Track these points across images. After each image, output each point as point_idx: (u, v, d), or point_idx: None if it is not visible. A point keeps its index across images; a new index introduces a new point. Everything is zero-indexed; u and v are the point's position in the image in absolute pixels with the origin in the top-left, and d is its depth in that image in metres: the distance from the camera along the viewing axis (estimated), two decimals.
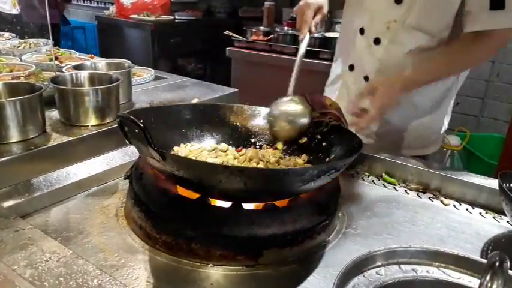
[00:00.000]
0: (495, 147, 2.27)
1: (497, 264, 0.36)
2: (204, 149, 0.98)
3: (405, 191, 1.10)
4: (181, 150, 0.96)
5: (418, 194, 1.09)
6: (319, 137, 1.00)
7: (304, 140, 1.01)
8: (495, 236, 0.91)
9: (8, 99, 0.93)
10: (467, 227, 0.94)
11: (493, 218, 0.99)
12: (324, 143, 0.98)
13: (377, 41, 1.23)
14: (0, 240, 0.70)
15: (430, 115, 1.34)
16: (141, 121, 0.73)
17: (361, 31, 1.27)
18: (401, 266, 0.72)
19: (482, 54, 1.21)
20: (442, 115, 1.39)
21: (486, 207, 1.03)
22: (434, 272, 0.71)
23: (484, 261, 0.69)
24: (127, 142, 0.79)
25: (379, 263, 0.71)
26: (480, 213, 1.01)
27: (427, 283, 0.70)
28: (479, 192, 1.05)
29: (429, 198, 1.07)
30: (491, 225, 0.96)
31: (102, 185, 1.03)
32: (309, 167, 0.94)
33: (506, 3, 1.05)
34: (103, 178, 1.03)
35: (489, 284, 0.35)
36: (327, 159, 0.94)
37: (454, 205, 1.04)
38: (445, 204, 1.04)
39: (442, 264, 0.72)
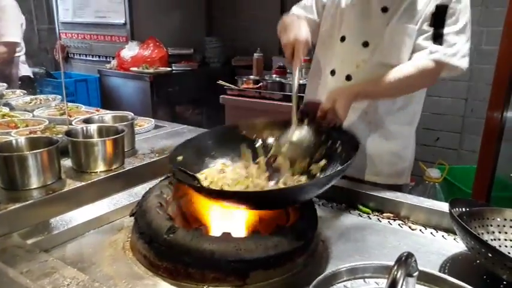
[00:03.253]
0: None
1: (403, 258, 0.50)
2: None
3: (378, 219, 1.24)
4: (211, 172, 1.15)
5: (389, 221, 1.23)
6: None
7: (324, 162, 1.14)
8: (453, 254, 1.05)
9: (30, 152, 1.09)
10: (430, 248, 1.08)
11: (454, 239, 1.13)
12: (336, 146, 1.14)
13: (348, 78, 1.44)
14: (28, 270, 0.84)
15: (398, 142, 1.53)
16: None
17: (332, 73, 1.47)
18: (366, 279, 0.85)
19: (422, 81, 1.40)
20: (408, 143, 1.57)
21: (448, 230, 1.16)
22: None
23: (439, 274, 0.83)
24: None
25: (346, 278, 0.84)
26: (442, 236, 1.15)
27: None
28: (442, 217, 1.19)
29: (399, 224, 1.21)
30: (451, 246, 1.09)
31: (110, 223, 1.17)
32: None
33: (443, 41, 1.30)
34: (111, 217, 1.17)
35: (395, 273, 0.48)
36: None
37: (420, 229, 1.18)
38: (412, 229, 1.18)
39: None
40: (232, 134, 1.26)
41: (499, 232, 1.06)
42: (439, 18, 1.32)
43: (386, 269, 0.86)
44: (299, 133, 1.19)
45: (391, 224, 1.21)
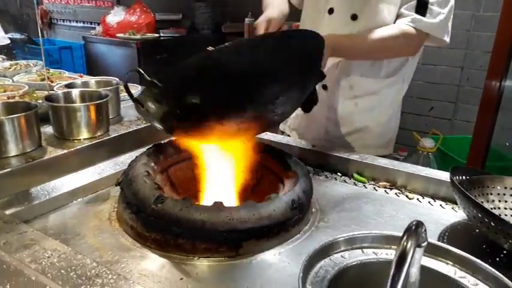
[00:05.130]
0: (468, 148, 2.41)
1: (413, 227, 0.46)
2: None
3: (374, 188, 1.21)
4: None
5: (385, 191, 1.19)
6: None
7: None
8: (452, 224, 1.02)
9: (7, 117, 1.02)
10: (428, 217, 1.04)
11: (452, 208, 1.10)
12: None
13: None
14: (6, 242, 0.78)
15: (385, 112, 1.50)
16: None
17: None
18: (364, 250, 0.82)
19: (402, 46, 1.35)
20: (394, 113, 1.55)
21: (446, 199, 1.13)
22: (393, 254, 0.81)
23: (438, 243, 0.79)
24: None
25: (343, 248, 0.80)
26: (440, 205, 1.12)
27: (386, 263, 0.80)
28: (439, 186, 1.16)
29: (395, 193, 1.18)
30: (449, 215, 1.07)
31: (95, 193, 1.11)
32: None
33: (427, 11, 1.27)
34: (96, 186, 1.12)
35: (405, 243, 0.44)
36: None
37: (417, 199, 1.15)
38: (410, 198, 1.15)
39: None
40: None
41: (499, 201, 1.03)
42: None
43: (385, 239, 0.83)
44: None
45: (387, 193, 1.18)
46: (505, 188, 1.03)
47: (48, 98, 1.16)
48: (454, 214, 1.07)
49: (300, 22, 1.54)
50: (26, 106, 1.09)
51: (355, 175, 1.26)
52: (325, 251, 0.78)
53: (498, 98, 1.83)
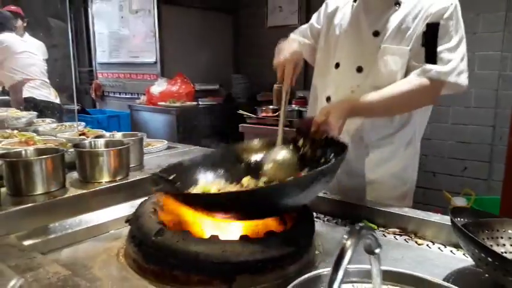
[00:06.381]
0: None
1: (357, 228, 0.47)
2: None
3: (383, 234, 1.18)
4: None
5: (394, 237, 1.16)
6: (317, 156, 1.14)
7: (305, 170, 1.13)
8: (459, 268, 0.98)
9: (35, 158, 1.14)
10: (436, 261, 1.01)
11: (463, 254, 1.05)
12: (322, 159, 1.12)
13: None
14: (16, 264, 0.85)
15: (397, 163, 1.48)
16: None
17: (328, 99, 1.47)
18: (354, 284, 0.80)
19: (419, 99, 1.35)
20: (408, 164, 1.51)
21: (458, 246, 1.09)
22: None
23: (434, 280, 0.77)
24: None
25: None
26: (451, 251, 1.08)
27: None
28: (451, 231, 1.12)
29: (404, 240, 1.15)
30: (458, 260, 1.02)
31: (109, 233, 1.18)
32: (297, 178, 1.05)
33: (438, 60, 1.28)
34: (110, 226, 1.18)
35: (345, 241, 0.45)
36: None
37: (427, 244, 1.11)
38: (419, 244, 1.12)
39: (391, 282, 0.80)
40: (225, 156, 1.27)
41: (511, 245, 0.98)
42: (431, 36, 1.30)
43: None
44: (284, 152, 1.18)
45: (396, 239, 1.15)
46: None
47: (76, 145, 1.29)
48: (465, 259, 1.02)
49: (313, 78, 1.62)
50: (55, 151, 1.22)
51: (366, 222, 1.24)
52: (311, 282, 0.78)
53: None
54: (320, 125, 1.17)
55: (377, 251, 0.49)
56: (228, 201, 0.94)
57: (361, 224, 0.48)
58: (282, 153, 1.18)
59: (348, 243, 0.45)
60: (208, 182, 1.18)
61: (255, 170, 1.21)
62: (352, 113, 1.26)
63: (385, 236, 1.17)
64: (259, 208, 0.96)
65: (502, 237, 0.98)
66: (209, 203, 0.96)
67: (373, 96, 1.29)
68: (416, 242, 1.13)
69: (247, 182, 1.15)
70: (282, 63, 1.31)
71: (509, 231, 0.99)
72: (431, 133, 3.07)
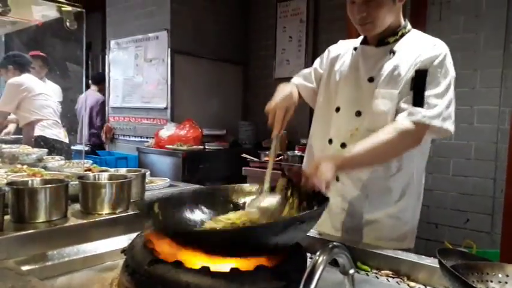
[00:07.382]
0: None
1: (329, 246, 0.50)
2: None
3: (376, 276, 1.19)
4: None
5: (387, 279, 1.17)
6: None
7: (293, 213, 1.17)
8: None
9: (40, 186, 1.19)
10: None
11: None
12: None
13: (343, 145, 1.48)
14: (12, 286, 0.88)
15: (396, 204, 1.50)
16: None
17: (330, 141, 1.53)
18: None
19: (402, 144, 1.37)
20: (407, 205, 1.52)
21: None
22: None
23: None
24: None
25: None
26: None
27: None
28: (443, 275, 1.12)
29: (397, 282, 1.15)
30: None
31: (105, 263, 1.20)
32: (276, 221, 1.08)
33: (424, 104, 1.33)
34: (106, 257, 1.21)
35: (317, 258, 0.48)
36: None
37: (419, 287, 1.11)
38: (411, 287, 1.12)
39: None
40: (215, 195, 1.30)
41: None
42: (419, 81, 1.36)
43: None
44: (271, 200, 1.19)
45: (388, 281, 1.15)
46: (507, 275, 0.99)
47: (80, 177, 1.34)
48: None
49: (313, 120, 1.68)
50: (59, 181, 1.27)
51: (359, 264, 1.25)
52: None
53: None
54: (309, 177, 1.19)
55: (351, 271, 0.51)
56: (203, 238, 0.98)
57: (335, 243, 0.51)
58: (267, 201, 1.20)
59: (320, 259, 0.47)
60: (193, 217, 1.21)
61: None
62: (341, 169, 1.30)
63: (378, 278, 1.17)
64: (233, 247, 0.98)
65: (491, 281, 0.99)
66: (185, 240, 1.00)
67: (357, 149, 1.33)
68: (408, 285, 1.13)
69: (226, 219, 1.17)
70: (273, 109, 1.36)
71: (499, 275, 1.00)
72: (432, 184, 3.09)
